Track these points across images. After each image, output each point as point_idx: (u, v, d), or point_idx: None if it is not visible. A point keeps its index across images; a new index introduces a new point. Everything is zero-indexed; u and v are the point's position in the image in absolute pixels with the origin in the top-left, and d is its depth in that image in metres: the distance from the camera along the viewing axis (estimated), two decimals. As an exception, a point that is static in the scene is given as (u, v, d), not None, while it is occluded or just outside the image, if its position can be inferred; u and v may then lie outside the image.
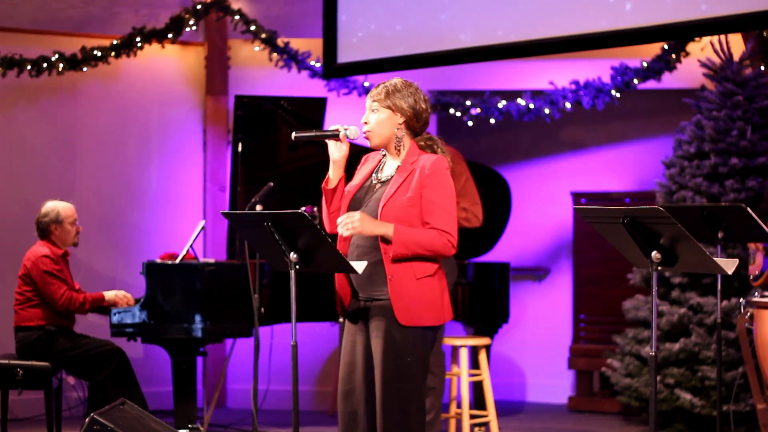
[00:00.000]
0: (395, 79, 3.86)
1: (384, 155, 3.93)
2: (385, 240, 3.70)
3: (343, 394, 3.83)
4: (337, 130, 3.84)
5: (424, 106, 3.83)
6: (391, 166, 3.87)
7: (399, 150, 3.83)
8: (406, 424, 3.71)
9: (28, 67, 7.20)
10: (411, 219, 3.72)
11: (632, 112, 7.92)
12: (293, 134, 3.84)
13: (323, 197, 3.90)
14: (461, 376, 5.94)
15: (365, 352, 3.81)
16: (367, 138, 3.84)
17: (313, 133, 3.90)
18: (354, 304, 3.85)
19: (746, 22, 6.09)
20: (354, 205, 3.85)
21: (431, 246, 3.70)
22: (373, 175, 3.90)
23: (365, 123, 3.83)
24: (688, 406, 6.37)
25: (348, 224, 3.68)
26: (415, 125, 3.83)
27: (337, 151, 3.84)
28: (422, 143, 3.86)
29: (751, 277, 5.21)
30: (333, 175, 3.86)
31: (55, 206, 6.00)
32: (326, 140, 3.85)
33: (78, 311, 5.92)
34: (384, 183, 3.83)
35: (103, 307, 6.02)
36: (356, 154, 4.20)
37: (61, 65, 7.26)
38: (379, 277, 3.75)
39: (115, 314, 5.97)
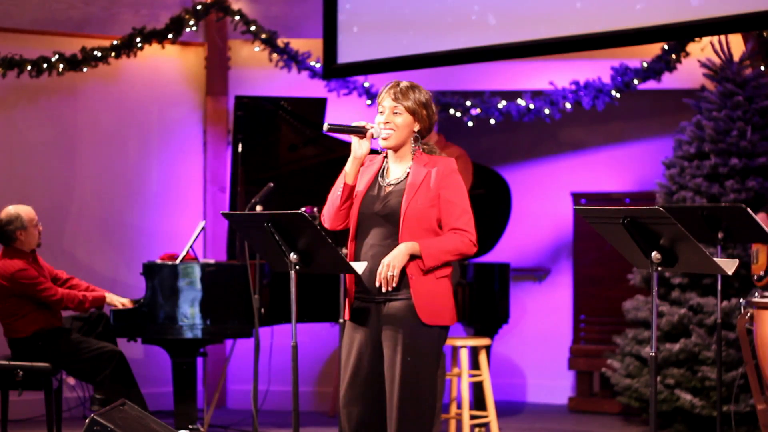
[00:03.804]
0: (416, 85, 3.90)
1: (385, 158, 3.93)
2: (414, 256, 3.73)
3: (347, 395, 3.81)
4: (364, 127, 3.86)
5: (435, 118, 3.95)
6: (397, 169, 3.88)
7: (412, 154, 3.87)
8: (422, 423, 3.73)
9: (28, 67, 7.19)
10: (431, 219, 3.78)
11: (632, 112, 7.91)
12: (326, 124, 3.85)
13: (334, 193, 3.87)
14: (461, 376, 5.94)
15: (372, 352, 3.80)
16: (385, 138, 3.85)
17: (344, 125, 3.91)
18: (363, 304, 3.84)
19: (746, 22, 6.09)
20: (365, 205, 3.85)
21: (456, 250, 3.77)
22: (379, 178, 3.90)
23: (386, 123, 3.85)
24: (688, 407, 6.37)
25: (389, 273, 3.69)
26: (425, 133, 3.92)
27: (359, 148, 3.86)
28: (424, 147, 3.91)
29: (755, 276, 5.20)
30: (352, 171, 3.86)
31: (16, 212, 5.88)
32: (351, 135, 3.88)
33: (77, 309, 5.90)
34: (395, 186, 3.84)
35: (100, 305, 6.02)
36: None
37: (61, 65, 7.25)
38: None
39: (115, 315, 5.97)
